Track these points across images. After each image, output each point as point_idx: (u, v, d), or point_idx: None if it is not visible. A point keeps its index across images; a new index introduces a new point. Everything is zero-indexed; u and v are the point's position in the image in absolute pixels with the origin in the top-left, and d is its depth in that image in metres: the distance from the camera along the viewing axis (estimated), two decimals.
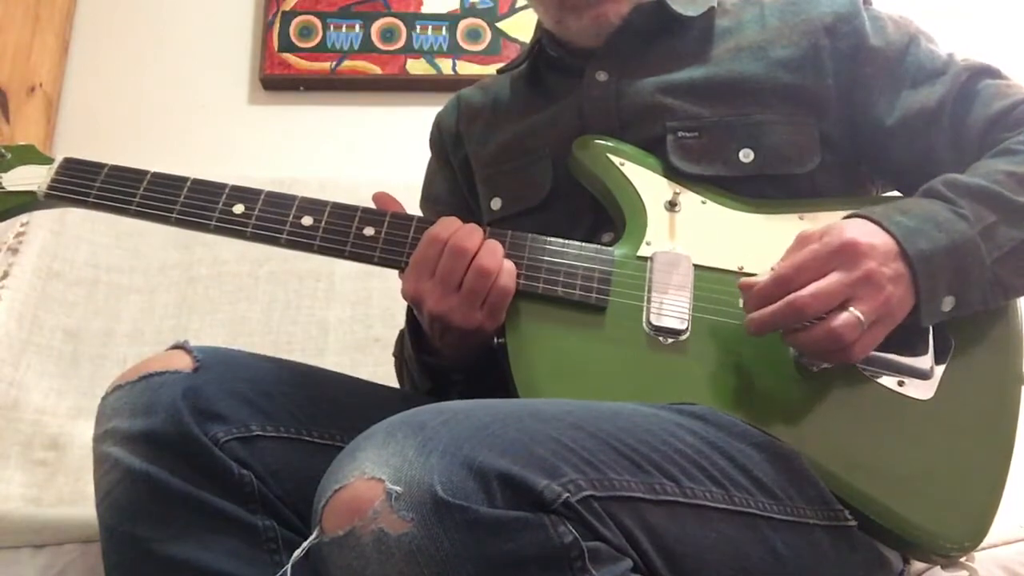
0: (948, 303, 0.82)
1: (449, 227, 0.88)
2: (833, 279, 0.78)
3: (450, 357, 0.94)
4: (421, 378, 1.01)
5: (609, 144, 0.99)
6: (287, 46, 1.98)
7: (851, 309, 0.77)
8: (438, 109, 1.23)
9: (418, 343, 0.98)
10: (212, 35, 2.03)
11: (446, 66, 1.98)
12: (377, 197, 0.94)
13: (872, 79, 0.99)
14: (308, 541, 0.64)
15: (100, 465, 0.81)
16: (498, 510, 0.60)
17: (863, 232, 0.80)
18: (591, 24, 1.04)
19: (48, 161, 0.96)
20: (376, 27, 2.00)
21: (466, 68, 1.97)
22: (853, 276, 0.78)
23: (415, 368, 1.00)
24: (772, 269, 0.81)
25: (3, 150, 0.97)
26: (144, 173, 0.94)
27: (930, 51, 1.00)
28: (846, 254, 0.79)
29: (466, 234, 0.87)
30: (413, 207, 1.19)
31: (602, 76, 1.04)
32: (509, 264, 0.87)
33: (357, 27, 2.00)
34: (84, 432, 1.38)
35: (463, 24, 2.01)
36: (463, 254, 0.85)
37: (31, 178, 0.95)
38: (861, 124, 0.99)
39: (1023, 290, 0.87)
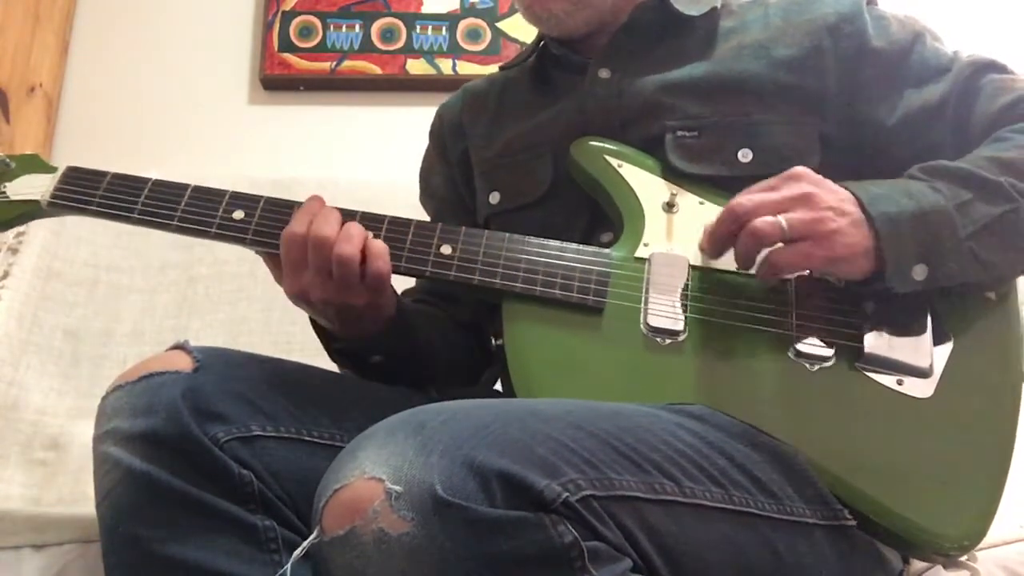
0: (920, 271, 0.82)
1: (305, 220, 0.87)
2: (770, 194, 0.83)
3: (358, 335, 0.94)
4: (343, 370, 1.01)
5: (606, 146, 0.99)
6: (287, 46, 1.98)
7: (778, 216, 0.81)
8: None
9: (325, 336, 0.98)
10: (212, 35, 2.03)
11: (446, 66, 1.98)
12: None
13: (874, 80, 0.99)
14: (308, 541, 0.65)
15: (100, 465, 0.81)
16: (498, 510, 0.60)
17: (818, 175, 0.85)
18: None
19: (51, 170, 0.97)
20: (376, 27, 2.00)
21: (466, 68, 1.97)
22: (792, 193, 0.83)
23: (336, 362, 1.00)
24: None
25: (8, 160, 0.97)
26: (145, 181, 0.94)
27: (935, 49, 0.99)
28: (793, 179, 0.84)
29: (323, 223, 0.87)
30: (413, 206, 1.19)
31: (605, 73, 1.04)
32: (378, 245, 0.87)
33: (357, 27, 2.00)
34: (84, 432, 1.38)
35: (463, 24, 2.01)
36: (323, 245, 0.85)
37: (35, 187, 0.96)
38: (863, 125, 0.99)
39: (1000, 267, 0.85)
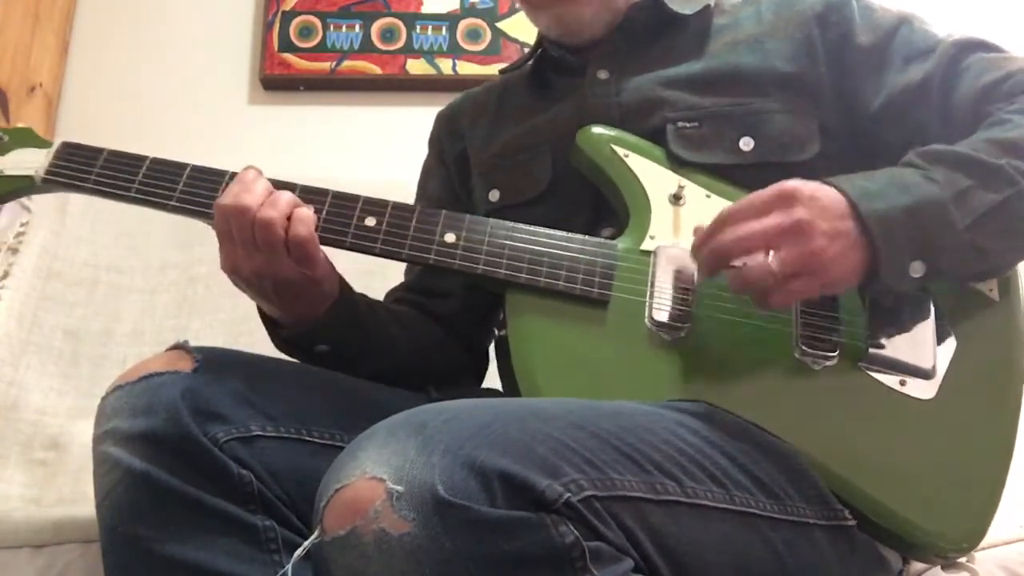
0: (917, 268, 0.79)
1: (231, 191, 0.88)
2: (759, 223, 0.78)
3: (298, 318, 0.94)
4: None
5: (613, 134, 0.98)
6: (287, 46, 1.98)
7: (769, 258, 0.77)
8: (438, 109, 1.24)
9: (270, 324, 0.98)
10: (212, 35, 2.03)
11: (446, 66, 1.98)
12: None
13: (859, 66, 0.99)
14: (309, 541, 0.64)
15: (100, 465, 0.81)
16: (499, 510, 0.60)
17: (811, 186, 0.79)
18: (553, 24, 1.06)
19: (46, 145, 0.96)
20: (376, 27, 2.00)
21: (466, 68, 1.97)
22: (781, 224, 0.77)
23: (282, 349, 1.00)
24: None
25: (1, 133, 0.96)
26: (143, 158, 0.94)
27: (923, 31, 0.99)
28: (782, 201, 0.78)
29: (244, 191, 0.87)
30: None
31: (603, 74, 1.04)
32: (303, 212, 0.88)
33: (357, 27, 2.00)
34: (84, 432, 1.38)
35: (463, 24, 2.01)
36: (244, 212, 0.86)
37: (29, 162, 0.95)
38: (854, 112, 0.99)
39: (1000, 254, 0.83)
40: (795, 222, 0.77)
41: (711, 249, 0.80)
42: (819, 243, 0.77)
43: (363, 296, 1.03)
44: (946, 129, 0.92)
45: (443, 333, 1.10)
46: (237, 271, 0.89)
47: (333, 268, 0.94)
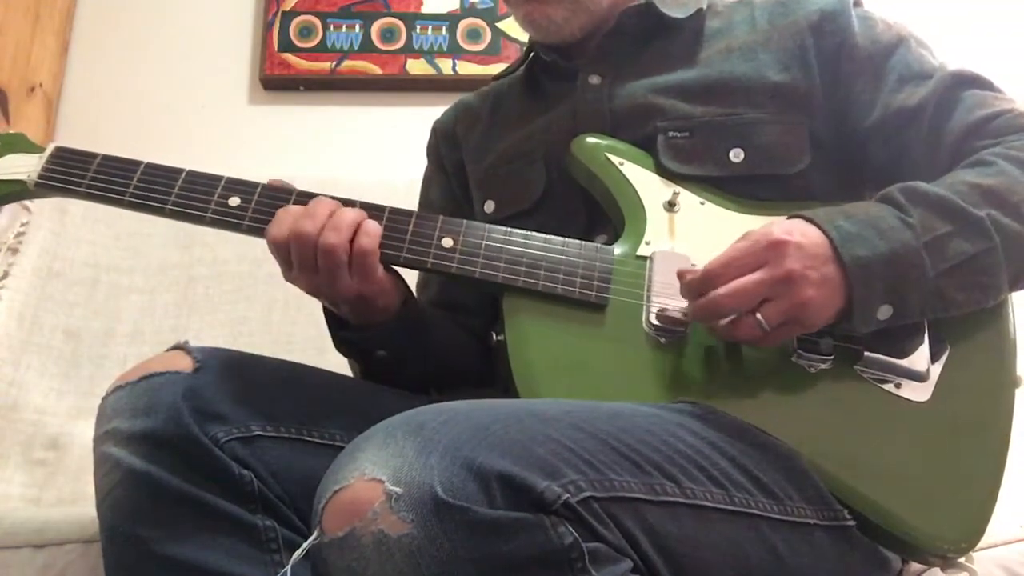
0: (884, 311, 0.81)
1: (286, 219, 0.87)
2: (752, 279, 0.79)
3: (358, 323, 0.94)
4: (350, 360, 1.02)
5: (608, 143, 0.99)
6: (287, 46, 1.98)
7: (757, 315, 0.79)
8: (438, 109, 1.24)
9: (332, 320, 0.98)
10: (212, 35, 2.03)
11: (446, 66, 1.98)
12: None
13: (854, 76, 0.99)
14: (308, 542, 0.65)
15: (101, 466, 0.81)
16: (498, 511, 0.60)
17: (797, 232, 0.81)
18: (525, 24, 1.07)
19: (39, 150, 0.95)
20: (376, 27, 2.00)
21: (466, 68, 1.97)
22: (773, 276, 0.79)
23: (340, 349, 1.00)
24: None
25: None
26: (138, 164, 0.93)
27: (920, 55, 0.99)
28: (772, 252, 0.80)
29: (304, 217, 0.87)
30: (413, 207, 1.19)
31: (595, 80, 1.04)
32: (370, 225, 0.88)
33: (357, 27, 2.00)
34: (84, 432, 1.38)
35: (463, 24, 2.01)
36: (306, 239, 0.86)
37: (21, 167, 0.94)
38: (845, 123, 0.99)
39: (963, 305, 0.84)
40: (785, 273, 0.79)
41: (703, 305, 0.81)
42: (808, 292, 0.79)
43: (425, 306, 1.04)
44: (930, 156, 0.93)
45: (476, 342, 1.10)
46: (296, 284, 0.90)
47: (395, 283, 0.94)
